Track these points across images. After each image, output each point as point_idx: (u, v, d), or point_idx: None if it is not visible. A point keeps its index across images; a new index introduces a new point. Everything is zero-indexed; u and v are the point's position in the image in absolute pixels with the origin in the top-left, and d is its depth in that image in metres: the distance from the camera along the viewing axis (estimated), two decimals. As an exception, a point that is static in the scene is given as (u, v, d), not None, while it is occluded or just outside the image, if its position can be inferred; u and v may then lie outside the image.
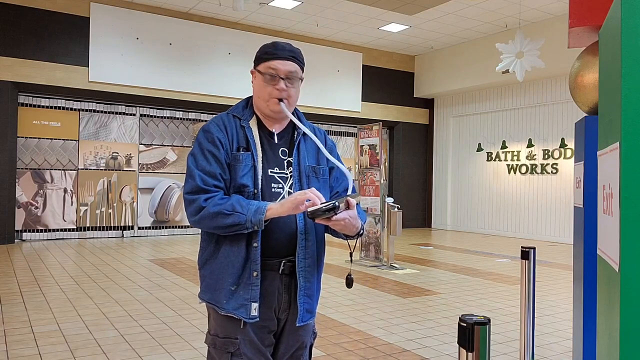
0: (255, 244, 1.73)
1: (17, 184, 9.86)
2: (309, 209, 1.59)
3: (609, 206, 1.24)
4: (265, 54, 1.80)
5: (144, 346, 3.96)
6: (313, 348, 1.98)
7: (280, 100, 1.79)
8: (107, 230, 10.83)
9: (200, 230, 1.82)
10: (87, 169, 10.63)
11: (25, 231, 10.03)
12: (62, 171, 10.39)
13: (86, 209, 10.62)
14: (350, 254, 1.94)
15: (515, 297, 5.91)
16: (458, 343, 1.36)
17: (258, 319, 1.74)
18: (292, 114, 1.93)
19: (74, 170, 10.51)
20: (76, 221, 10.53)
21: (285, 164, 1.84)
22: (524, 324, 3.13)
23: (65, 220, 10.41)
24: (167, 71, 10.94)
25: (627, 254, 1.06)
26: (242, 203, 1.69)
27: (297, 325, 1.79)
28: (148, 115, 11.27)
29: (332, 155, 1.95)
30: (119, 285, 6.14)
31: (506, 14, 10.80)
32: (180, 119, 11.61)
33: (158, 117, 11.37)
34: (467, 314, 1.51)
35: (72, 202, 10.48)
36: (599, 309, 1.45)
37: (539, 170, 12.00)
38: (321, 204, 1.60)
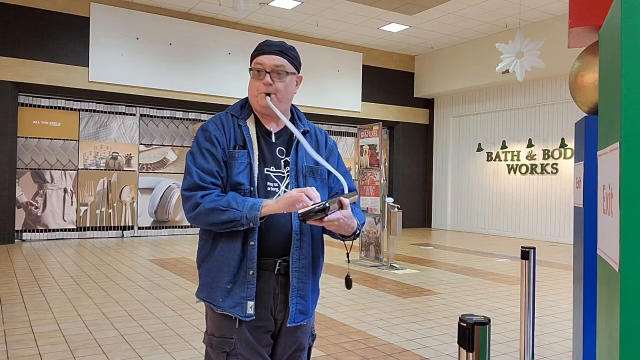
0: (252, 242, 1.73)
1: (17, 184, 9.86)
2: (299, 211, 1.58)
3: (609, 206, 1.24)
4: (255, 51, 1.84)
5: (144, 346, 3.96)
6: (313, 348, 1.98)
7: (268, 95, 1.79)
8: (107, 230, 10.83)
9: (199, 229, 1.82)
10: (87, 169, 10.63)
11: (25, 231, 10.03)
12: (62, 171, 10.39)
13: (86, 209, 10.62)
14: (347, 254, 1.94)
15: (515, 297, 5.91)
16: (458, 343, 1.36)
17: (254, 317, 1.74)
18: (291, 112, 1.93)
19: (74, 170, 10.51)
20: (76, 221, 10.53)
21: (283, 163, 1.84)
22: (524, 324, 3.13)
23: (65, 220, 10.41)
24: (167, 71, 10.94)
25: (627, 254, 1.06)
26: (238, 200, 1.70)
27: (289, 325, 1.79)
28: (148, 115, 11.27)
29: (332, 156, 1.95)
30: (119, 285, 6.14)
31: (506, 14, 10.80)
32: (180, 119, 11.61)
33: (158, 117, 11.37)
34: (467, 314, 1.51)
35: (72, 202, 10.49)
36: (599, 309, 1.45)
37: (539, 170, 12.00)
38: (313, 204, 1.59)
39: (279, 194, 1.78)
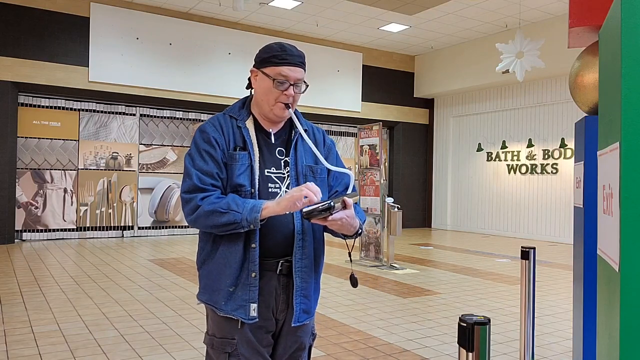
0: (253, 245, 1.72)
1: (17, 184, 9.86)
2: (304, 210, 1.58)
3: (609, 206, 1.24)
4: (274, 58, 1.76)
5: (144, 346, 3.96)
6: (313, 348, 1.98)
7: (287, 106, 1.78)
8: (107, 230, 10.83)
9: (198, 230, 1.82)
10: (87, 169, 10.63)
11: (25, 231, 10.03)
12: (62, 171, 10.39)
13: (86, 209, 10.62)
14: (349, 254, 1.94)
15: (515, 297, 5.91)
16: (458, 343, 1.36)
17: (257, 319, 1.73)
18: None
19: (74, 170, 10.51)
20: (76, 221, 10.53)
21: (283, 163, 1.84)
22: (524, 324, 3.13)
23: (65, 220, 10.41)
24: (167, 71, 10.95)
25: (627, 254, 1.06)
26: (238, 201, 1.68)
27: (293, 325, 1.79)
28: (148, 115, 11.27)
29: (331, 154, 1.95)
30: (119, 285, 6.14)
31: (506, 14, 10.80)
32: (180, 119, 11.62)
33: (158, 117, 11.37)
34: (467, 314, 1.51)
35: (72, 202, 10.48)
36: (599, 309, 1.45)
37: (539, 170, 12.00)
38: (317, 203, 1.59)
39: (281, 195, 1.77)
